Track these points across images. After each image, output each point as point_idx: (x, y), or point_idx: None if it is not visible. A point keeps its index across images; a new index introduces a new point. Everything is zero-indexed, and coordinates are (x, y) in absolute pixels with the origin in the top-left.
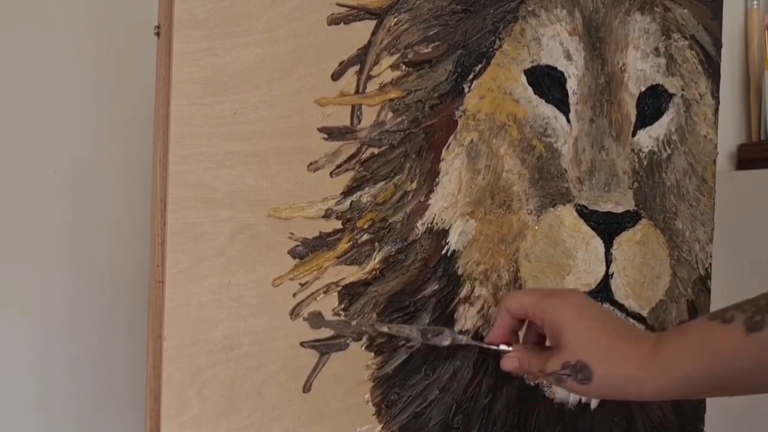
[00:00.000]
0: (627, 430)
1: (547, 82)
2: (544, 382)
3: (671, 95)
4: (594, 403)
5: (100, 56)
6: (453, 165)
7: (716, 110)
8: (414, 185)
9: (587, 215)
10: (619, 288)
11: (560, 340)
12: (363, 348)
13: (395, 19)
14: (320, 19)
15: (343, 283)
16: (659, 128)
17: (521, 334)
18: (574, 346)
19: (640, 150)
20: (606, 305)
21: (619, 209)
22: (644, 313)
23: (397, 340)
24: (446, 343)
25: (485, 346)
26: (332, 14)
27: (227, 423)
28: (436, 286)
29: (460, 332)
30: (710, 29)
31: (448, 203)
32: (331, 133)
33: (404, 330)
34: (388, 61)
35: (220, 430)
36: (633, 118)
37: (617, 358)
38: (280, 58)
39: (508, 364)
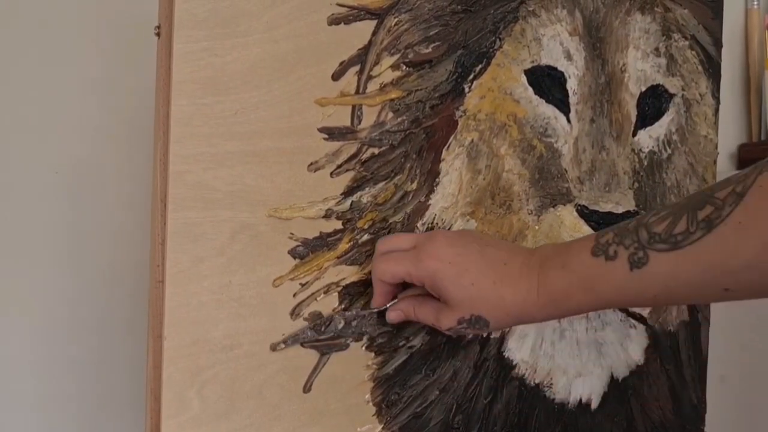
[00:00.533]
0: (627, 430)
1: (547, 82)
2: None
3: (672, 95)
4: (594, 404)
5: (100, 56)
6: (453, 165)
7: (717, 110)
8: (414, 185)
9: (587, 215)
10: None
11: (447, 298)
12: (363, 348)
13: (396, 20)
14: (320, 19)
15: (343, 283)
16: (659, 128)
17: None
18: (463, 302)
19: (640, 150)
20: None
21: (620, 209)
22: (645, 313)
23: (397, 339)
24: (340, 326)
25: (375, 311)
26: (332, 14)
27: (227, 423)
28: None
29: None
30: (710, 29)
31: (449, 203)
32: (332, 133)
33: (299, 336)
34: (388, 61)
35: (220, 430)
36: (633, 118)
37: (507, 305)
38: (280, 58)
39: (392, 316)
